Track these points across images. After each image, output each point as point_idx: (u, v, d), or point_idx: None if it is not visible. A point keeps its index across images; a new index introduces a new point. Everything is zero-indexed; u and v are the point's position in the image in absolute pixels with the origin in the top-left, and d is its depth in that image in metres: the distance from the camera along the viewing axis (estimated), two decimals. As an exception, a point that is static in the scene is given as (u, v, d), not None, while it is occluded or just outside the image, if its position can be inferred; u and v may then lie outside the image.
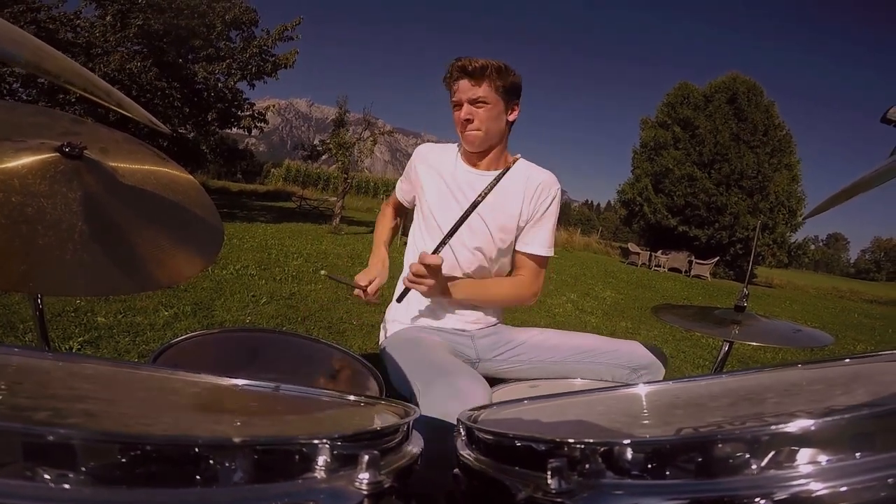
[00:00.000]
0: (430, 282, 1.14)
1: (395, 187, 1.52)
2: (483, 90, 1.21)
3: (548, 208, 1.29)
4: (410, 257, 1.34)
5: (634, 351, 1.28)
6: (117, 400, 0.46)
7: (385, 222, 1.54)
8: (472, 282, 1.29)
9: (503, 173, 1.18)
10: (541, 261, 1.32)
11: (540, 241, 1.30)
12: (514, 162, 1.23)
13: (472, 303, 1.30)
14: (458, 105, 1.24)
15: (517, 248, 1.32)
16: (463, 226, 1.17)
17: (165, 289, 3.15)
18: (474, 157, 1.31)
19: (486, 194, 1.17)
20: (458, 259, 1.28)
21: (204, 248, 0.86)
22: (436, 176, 1.32)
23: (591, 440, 0.37)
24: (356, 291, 1.30)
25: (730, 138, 19.69)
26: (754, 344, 1.33)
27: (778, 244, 20.29)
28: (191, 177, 0.93)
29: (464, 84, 1.21)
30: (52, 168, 0.71)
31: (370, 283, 1.28)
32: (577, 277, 9.15)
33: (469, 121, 1.22)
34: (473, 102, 1.22)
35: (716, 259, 18.19)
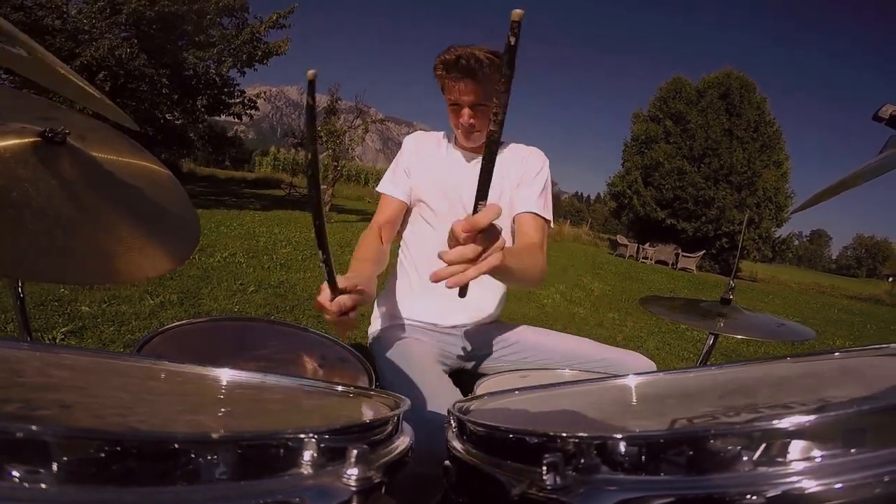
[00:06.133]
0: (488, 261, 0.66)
1: (380, 188, 1.28)
2: (484, 92, 1.10)
3: (538, 172, 1.24)
4: (412, 254, 1.27)
5: (626, 362, 1.20)
6: (94, 390, 0.44)
7: (362, 250, 1.14)
8: (516, 249, 1.10)
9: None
10: (541, 223, 1.20)
11: (534, 197, 1.20)
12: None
13: (514, 275, 0.92)
14: (458, 106, 1.14)
15: (515, 210, 1.22)
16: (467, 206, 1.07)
17: (149, 280, 3.11)
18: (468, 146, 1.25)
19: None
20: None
21: (181, 242, 0.84)
22: (429, 162, 1.26)
23: (586, 434, 0.37)
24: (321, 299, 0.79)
25: (721, 133, 19.88)
26: (739, 337, 1.35)
27: (763, 239, 20.64)
28: (166, 170, 0.91)
29: (466, 86, 1.09)
30: (33, 154, 0.69)
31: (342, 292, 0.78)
32: (566, 269, 9.22)
33: (470, 126, 1.14)
34: (474, 107, 1.12)
35: (702, 252, 18.46)
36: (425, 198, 1.24)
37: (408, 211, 1.30)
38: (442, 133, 1.33)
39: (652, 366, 1.20)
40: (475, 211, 0.62)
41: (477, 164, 1.25)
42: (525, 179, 1.23)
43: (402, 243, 1.34)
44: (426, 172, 1.25)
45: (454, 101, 1.14)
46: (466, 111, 1.13)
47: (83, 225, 0.68)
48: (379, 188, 1.28)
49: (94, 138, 0.83)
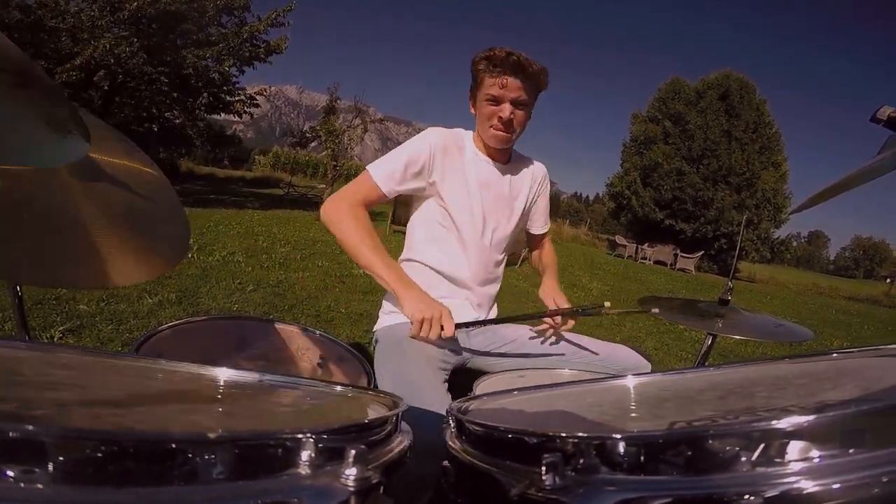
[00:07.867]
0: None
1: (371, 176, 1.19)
2: (529, 93, 1.16)
3: (545, 193, 1.45)
4: (429, 261, 1.25)
5: (622, 354, 1.28)
6: (92, 390, 0.44)
7: (372, 231, 1.14)
8: (554, 275, 1.43)
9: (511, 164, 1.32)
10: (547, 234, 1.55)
11: (546, 220, 1.49)
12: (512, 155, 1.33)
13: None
14: (497, 101, 1.15)
15: (534, 230, 1.47)
16: (491, 217, 1.26)
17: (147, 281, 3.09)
18: (493, 150, 1.27)
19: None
20: (491, 245, 1.29)
21: (171, 246, 0.84)
22: (457, 165, 1.23)
23: (585, 434, 0.36)
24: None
25: (720, 134, 19.90)
26: (737, 337, 1.35)
27: (762, 240, 20.67)
28: (159, 172, 0.90)
29: (513, 82, 1.13)
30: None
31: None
32: (565, 269, 9.22)
33: (509, 122, 1.17)
34: (516, 103, 1.16)
35: (700, 253, 18.46)
36: (455, 216, 1.24)
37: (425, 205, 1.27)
38: (462, 133, 1.29)
39: (637, 358, 1.28)
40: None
41: (501, 173, 1.29)
42: (542, 202, 1.43)
43: (414, 246, 1.30)
44: (456, 188, 1.23)
45: (495, 95, 1.15)
46: (508, 106, 1.15)
47: (78, 229, 0.68)
48: (371, 170, 1.19)
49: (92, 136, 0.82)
